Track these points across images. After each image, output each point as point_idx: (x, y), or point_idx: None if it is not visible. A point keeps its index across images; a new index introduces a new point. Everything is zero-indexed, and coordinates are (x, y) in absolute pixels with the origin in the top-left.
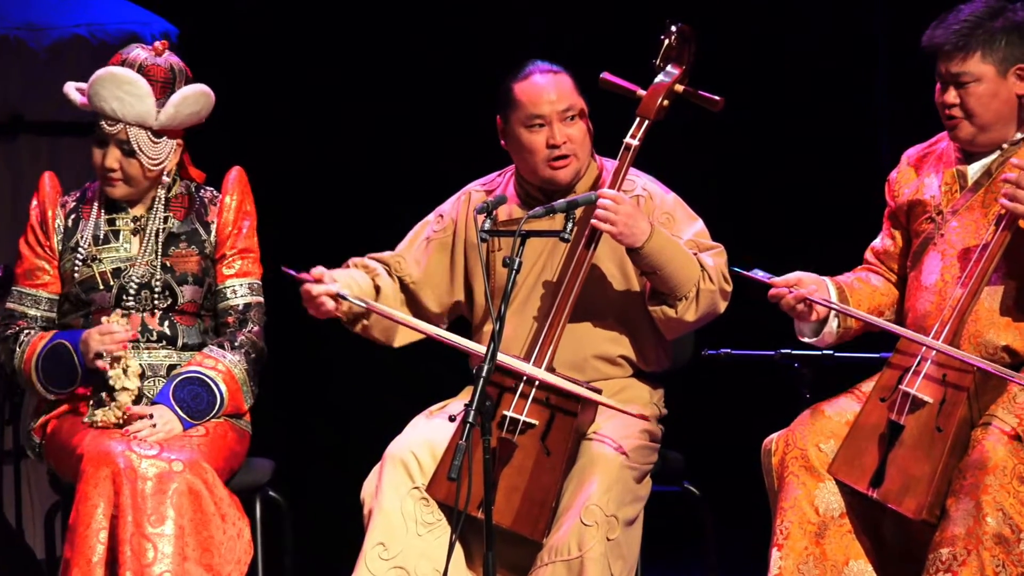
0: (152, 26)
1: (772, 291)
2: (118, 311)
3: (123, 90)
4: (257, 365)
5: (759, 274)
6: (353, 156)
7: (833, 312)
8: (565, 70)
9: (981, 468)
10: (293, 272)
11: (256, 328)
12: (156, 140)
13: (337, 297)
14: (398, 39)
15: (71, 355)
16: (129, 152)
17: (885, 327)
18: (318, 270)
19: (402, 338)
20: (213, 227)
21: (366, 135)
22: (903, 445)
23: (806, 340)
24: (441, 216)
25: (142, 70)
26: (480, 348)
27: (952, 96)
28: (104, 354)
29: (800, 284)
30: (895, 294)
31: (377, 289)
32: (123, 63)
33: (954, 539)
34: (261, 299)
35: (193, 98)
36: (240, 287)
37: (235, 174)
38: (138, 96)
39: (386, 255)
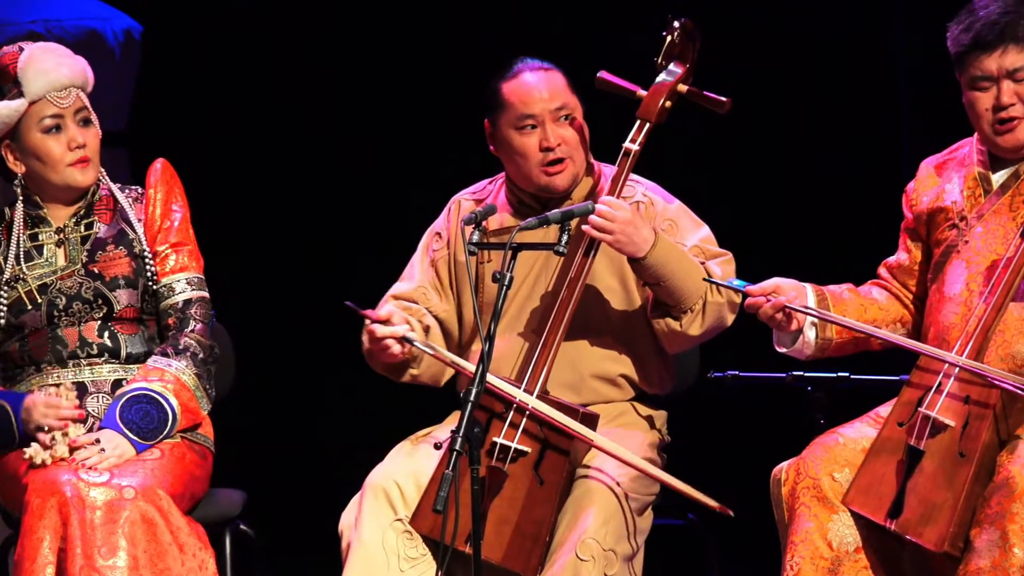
0: (113, 22)
1: (748, 300)
2: (68, 382)
3: (60, 55)
4: (207, 365)
5: (735, 283)
6: (329, 159)
7: (810, 321)
8: (558, 68)
9: (1008, 495)
10: (357, 308)
11: (199, 326)
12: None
13: (403, 340)
14: (376, 33)
15: (10, 419)
16: (86, 121)
17: (875, 334)
18: (386, 309)
19: (447, 378)
20: (140, 224)
21: (342, 138)
22: (923, 472)
23: (783, 350)
24: (438, 235)
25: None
26: (470, 365)
27: (1009, 95)
28: (45, 428)
29: (778, 291)
30: (900, 312)
31: (427, 329)
32: (20, 51)
33: (979, 572)
34: (204, 293)
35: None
36: (178, 283)
37: (159, 166)
38: (72, 57)
39: (407, 289)
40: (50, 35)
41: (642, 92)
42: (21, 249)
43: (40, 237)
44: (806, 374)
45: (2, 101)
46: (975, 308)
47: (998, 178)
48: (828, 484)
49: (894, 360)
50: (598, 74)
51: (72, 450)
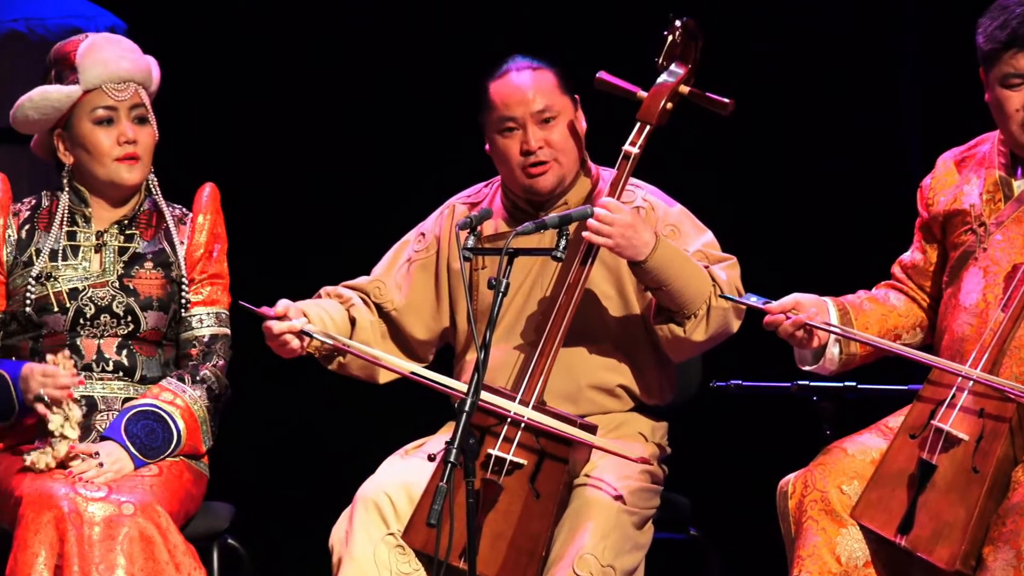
0: (97, 20)
1: (768, 318)
2: (65, 351)
3: (123, 47)
4: (218, 403)
5: (753, 299)
6: (319, 165)
7: (833, 337)
8: (551, 66)
9: (1022, 513)
10: (252, 307)
11: (221, 363)
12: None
13: (302, 334)
14: (373, 33)
15: (9, 388)
16: (142, 119)
17: (898, 352)
18: (282, 304)
19: (387, 374)
20: (183, 249)
21: (334, 141)
22: (935, 487)
23: (807, 368)
24: (423, 235)
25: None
26: (463, 388)
27: None
28: (45, 398)
29: (798, 308)
30: (918, 315)
31: (352, 321)
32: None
33: None
34: (228, 331)
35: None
36: (207, 316)
37: (209, 191)
38: (138, 52)
39: (363, 281)
40: (32, 33)
41: (642, 93)
42: (59, 245)
43: (78, 237)
44: (812, 383)
45: (58, 86)
46: (991, 320)
47: (1020, 184)
48: (836, 497)
49: (903, 369)
50: (597, 74)
51: (69, 458)
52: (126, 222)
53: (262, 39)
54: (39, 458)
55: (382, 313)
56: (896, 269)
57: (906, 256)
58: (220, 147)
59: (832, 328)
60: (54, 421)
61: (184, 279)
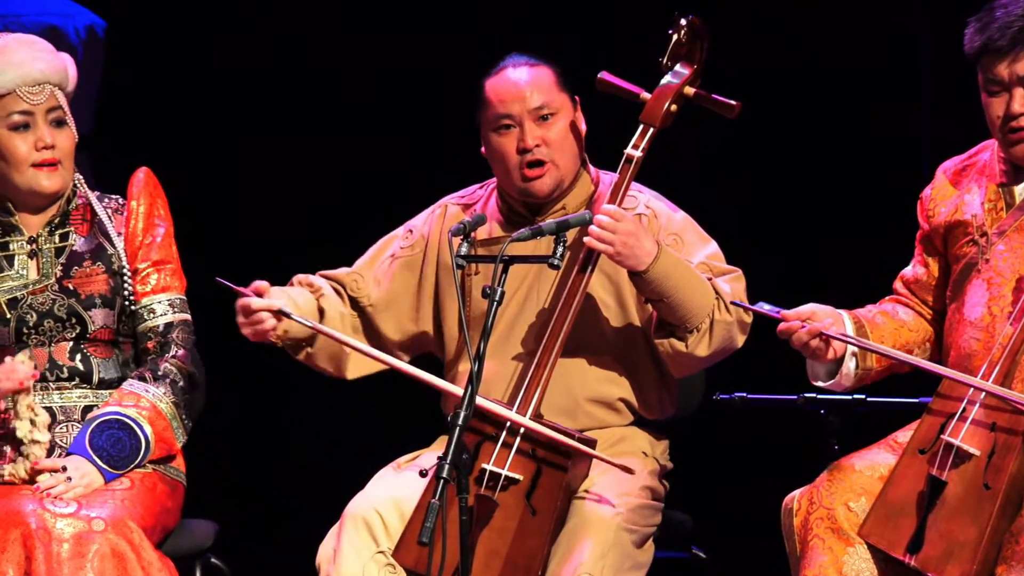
0: (75, 18)
1: (782, 326)
2: (25, 352)
3: (37, 48)
4: (186, 394)
5: (765, 307)
6: (300, 159)
7: (850, 351)
8: (549, 63)
9: None
10: (230, 284)
11: (181, 351)
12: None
13: (279, 314)
14: (369, 33)
15: None
16: (60, 121)
17: (919, 364)
18: (260, 283)
19: (356, 369)
20: (121, 239)
21: (318, 136)
22: (945, 505)
23: (820, 384)
24: (411, 231)
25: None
26: (456, 389)
27: (1021, 103)
28: (7, 397)
29: (814, 317)
30: (927, 330)
31: (321, 312)
32: None
33: None
34: (186, 316)
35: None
36: (159, 304)
37: (142, 176)
38: (52, 53)
39: (341, 272)
40: (8, 31)
41: (646, 95)
42: None
43: (11, 247)
44: (819, 396)
45: None
46: (998, 333)
47: (1021, 191)
48: (843, 514)
49: (912, 382)
50: (599, 75)
51: (35, 473)
52: (56, 221)
53: (245, 35)
54: (17, 468)
55: (356, 307)
56: (898, 284)
57: (907, 270)
58: (200, 149)
59: (850, 339)
60: (21, 428)
61: (126, 270)
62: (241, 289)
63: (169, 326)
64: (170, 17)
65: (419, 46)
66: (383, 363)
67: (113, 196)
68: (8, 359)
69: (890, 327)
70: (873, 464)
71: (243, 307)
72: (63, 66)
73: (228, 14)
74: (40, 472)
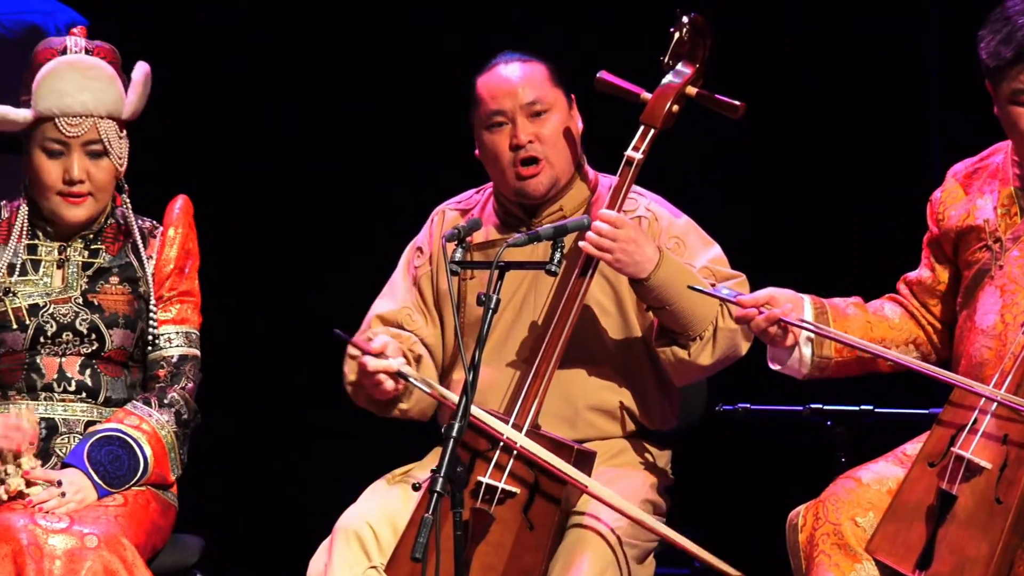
0: (56, 16)
1: (739, 312)
2: (30, 404)
3: (89, 77)
4: (187, 429)
5: (723, 292)
6: (295, 169)
7: (805, 336)
8: (543, 59)
9: None
10: (348, 338)
11: (190, 385)
12: (121, 135)
13: (397, 376)
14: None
15: None
16: (98, 153)
17: (879, 353)
18: (380, 341)
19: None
20: (151, 263)
21: (314, 143)
22: (956, 519)
23: (777, 369)
24: (420, 250)
25: (90, 54)
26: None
27: None
28: (3, 451)
29: (773, 303)
30: (913, 332)
31: (418, 359)
32: (63, 53)
33: None
34: (198, 352)
35: (147, 80)
36: (176, 336)
37: (181, 203)
38: (106, 82)
39: (392, 311)
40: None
41: (646, 95)
42: (17, 259)
43: (39, 251)
44: (825, 407)
45: (13, 108)
46: (1011, 342)
47: None
48: (850, 530)
49: (923, 392)
50: (598, 74)
51: (28, 484)
52: (91, 236)
53: (231, 35)
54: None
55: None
56: (901, 285)
57: (912, 273)
58: (187, 153)
59: (806, 325)
60: (11, 483)
61: (152, 296)
62: (360, 344)
63: (183, 359)
64: (150, 15)
65: (419, 46)
66: (496, 435)
67: (148, 218)
68: (13, 411)
69: (861, 320)
70: (881, 477)
71: (361, 367)
72: (115, 97)
73: (217, 14)
74: (34, 484)
